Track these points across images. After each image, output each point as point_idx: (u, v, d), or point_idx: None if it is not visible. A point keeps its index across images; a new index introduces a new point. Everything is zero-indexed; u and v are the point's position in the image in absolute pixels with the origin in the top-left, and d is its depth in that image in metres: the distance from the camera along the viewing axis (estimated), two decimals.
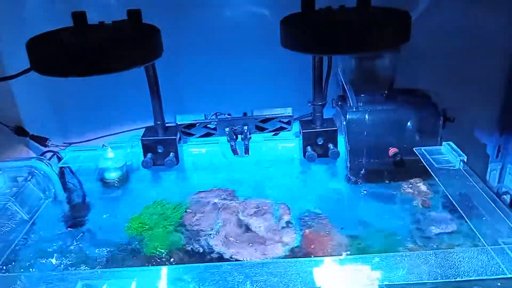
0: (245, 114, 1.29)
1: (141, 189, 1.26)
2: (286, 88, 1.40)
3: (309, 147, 1.28)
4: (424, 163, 1.17)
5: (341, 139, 1.28)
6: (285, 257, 0.95)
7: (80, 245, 1.02)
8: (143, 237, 1.03)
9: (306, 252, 0.96)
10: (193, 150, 1.39)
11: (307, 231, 1.02)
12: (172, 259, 0.96)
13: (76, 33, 1.06)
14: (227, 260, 0.95)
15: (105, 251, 1.00)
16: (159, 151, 1.28)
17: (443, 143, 1.23)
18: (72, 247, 1.01)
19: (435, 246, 0.94)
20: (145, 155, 1.28)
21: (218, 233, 1.03)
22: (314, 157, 1.26)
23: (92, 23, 1.10)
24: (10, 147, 1.42)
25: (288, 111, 1.27)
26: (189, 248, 0.99)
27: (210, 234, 1.03)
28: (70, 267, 0.95)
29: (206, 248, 0.99)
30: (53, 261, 0.97)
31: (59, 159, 1.35)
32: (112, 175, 1.27)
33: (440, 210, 1.06)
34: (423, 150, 1.23)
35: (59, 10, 1.25)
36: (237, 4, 1.37)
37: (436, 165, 1.16)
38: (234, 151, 1.26)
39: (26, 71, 1.05)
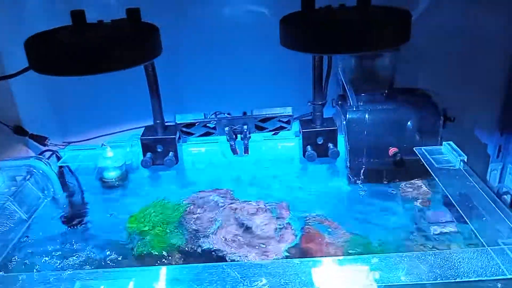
0: (244, 113, 1.28)
1: (141, 188, 1.25)
2: (286, 87, 1.40)
3: (309, 146, 1.27)
4: (424, 163, 1.17)
5: (341, 139, 1.28)
6: (285, 257, 0.94)
7: (78, 244, 1.02)
8: (142, 237, 1.03)
9: (305, 252, 0.96)
10: (193, 149, 1.39)
11: (306, 231, 1.02)
12: (171, 259, 0.96)
13: (75, 32, 1.05)
14: (226, 260, 0.94)
15: (104, 250, 0.99)
16: (159, 150, 1.27)
17: (443, 143, 1.22)
18: (70, 247, 1.01)
19: (434, 247, 0.93)
20: (144, 155, 1.28)
21: (217, 232, 1.03)
22: (314, 157, 1.26)
23: (91, 21, 1.09)
24: (9, 146, 1.42)
25: (288, 110, 1.27)
26: (188, 248, 0.99)
27: (209, 234, 1.02)
28: (68, 267, 0.94)
29: (205, 248, 0.98)
30: (51, 260, 0.97)
31: (58, 158, 1.35)
32: (111, 175, 1.27)
33: (440, 210, 1.05)
34: (423, 150, 1.22)
35: (58, 9, 1.24)
36: (236, 3, 1.37)
37: (436, 165, 1.15)
38: (234, 151, 1.26)
39: (24, 70, 1.05)
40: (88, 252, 0.99)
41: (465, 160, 1.14)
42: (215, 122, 1.27)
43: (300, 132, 1.28)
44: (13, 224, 1.06)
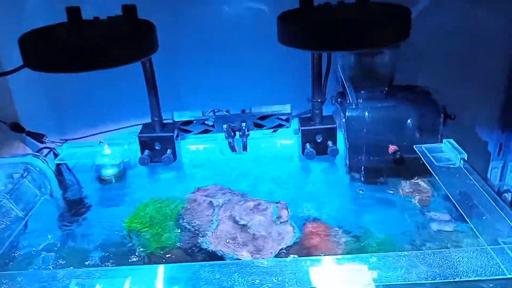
0: (243, 111, 1.27)
1: (138, 186, 1.25)
2: (285, 85, 1.39)
3: (308, 144, 1.27)
4: (424, 161, 1.16)
5: (341, 136, 1.27)
6: (283, 255, 0.94)
7: (75, 242, 1.02)
8: (139, 235, 1.02)
9: (304, 251, 0.95)
10: (191, 147, 1.38)
11: (305, 229, 1.01)
12: (168, 257, 0.95)
13: (71, 28, 1.04)
14: (224, 258, 0.94)
15: (101, 248, 0.99)
16: (157, 148, 1.27)
17: (444, 140, 1.21)
18: (67, 245, 1.01)
19: (433, 245, 0.93)
20: (142, 152, 1.27)
21: (215, 231, 1.02)
22: (313, 155, 1.25)
23: (87, 18, 1.09)
24: (6, 144, 1.42)
25: (287, 108, 1.26)
26: (185, 246, 0.98)
27: (207, 232, 1.02)
28: (65, 265, 0.94)
29: (202, 246, 0.98)
30: (47, 258, 0.96)
31: (56, 155, 1.34)
32: (109, 172, 1.26)
33: (440, 208, 1.05)
34: (423, 148, 1.21)
35: (56, 6, 1.23)
36: (235, 0, 1.35)
37: (436, 163, 1.15)
38: (232, 148, 1.25)
39: (20, 68, 1.04)
40: (84, 250, 0.98)
41: (466, 158, 1.13)
42: (213, 119, 1.26)
43: (299, 129, 1.27)
44: (9, 222, 1.06)
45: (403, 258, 0.85)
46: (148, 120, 1.28)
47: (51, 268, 0.94)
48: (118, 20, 1.09)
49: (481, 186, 1.04)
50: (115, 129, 1.44)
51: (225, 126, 1.26)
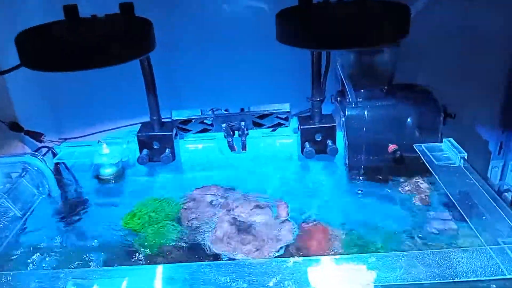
0: (242, 110, 1.27)
1: (137, 185, 1.24)
2: (284, 83, 1.38)
3: (307, 143, 1.26)
4: (424, 160, 1.15)
5: (340, 135, 1.26)
6: (282, 255, 0.93)
7: (73, 242, 1.01)
8: (138, 234, 1.02)
9: (303, 250, 0.94)
10: (190, 146, 1.38)
11: (305, 228, 1.01)
12: (167, 257, 0.95)
13: (68, 27, 1.04)
14: (222, 258, 0.93)
15: (99, 248, 0.99)
16: (155, 147, 1.26)
17: (444, 139, 1.21)
18: (65, 244, 1.00)
19: (433, 245, 0.92)
20: (141, 151, 1.27)
21: (214, 230, 1.01)
22: (312, 154, 1.24)
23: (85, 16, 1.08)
24: (5, 143, 1.41)
25: (286, 107, 1.25)
26: (184, 246, 0.98)
27: (206, 232, 1.01)
28: (62, 264, 0.94)
29: (201, 245, 0.97)
30: (45, 258, 0.96)
31: (54, 154, 1.34)
32: (107, 171, 1.26)
33: (439, 208, 1.04)
34: (423, 147, 1.21)
35: (53, 4, 1.23)
36: None
37: (436, 162, 1.14)
38: (231, 147, 1.25)
39: (17, 67, 1.04)
40: (82, 250, 0.98)
41: (466, 157, 1.13)
42: (212, 118, 1.26)
43: (298, 128, 1.27)
44: (7, 221, 1.06)
45: (402, 258, 0.84)
46: (147, 119, 1.27)
47: (49, 268, 0.93)
48: (116, 18, 1.08)
49: (481, 186, 1.04)
50: (114, 128, 1.43)
51: (224, 125, 1.25)
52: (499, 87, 1.43)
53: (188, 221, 1.06)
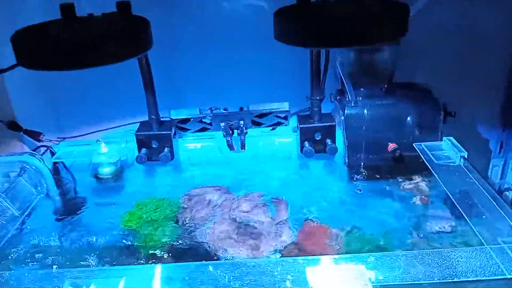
0: (241, 109, 1.26)
1: (136, 184, 1.24)
2: (283, 82, 1.38)
3: (306, 142, 1.25)
4: (424, 159, 1.15)
5: (340, 134, 1.26)
6: (281, 255, 0.93)
7: (71, 241, 1.01)
8: (136, 233, 1.02)
9: (302, 250, 0.94)
10: (189, 145, 1.37)
11: (304, 228, 1.00)
12: (165, 256, 0.95)
13: (64, 26, 1.03)
14: (220, 258, 0.93)
15: (97, 247, 0.98)
16: (154, 146, 1.26)
17: (444, 138, 1.20)
18: (63, 244, 1.00)
19: (432, 245, 0.91)
20: (139, 150, 1.26)
21: (212, 230, 1.01)
22: (312, 153, 1.24)
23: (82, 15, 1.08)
24: (3, 142, 1.41)
25: (285, 105, 1.25)
26: (183, 245, 0.98)
27: (205, 231, 1.01)
28: (60, 264, 0.93)
29: (200, 245, 0.97)
30: (42, 258, 0.95)
31: (53, 154, 1.34)
32: (106, 171, 1.25)
33: (439, 207, 1.03)
34: (423, 146, 1.20)
35: (53, 4, 1.22)
36: None
37: (436, 161, 1.13)
38: (230, 146, 1.24)
39: (14, 66, 1.03)
40: (80, 249, 0.98)
41: (466, 156, 1.12)
42: (210, 117, 1.25)
43: (298, 127, 1.26)
44: (5, 221, 1.06)
45: (401, 258, 0.84)
46: (146, 118, 1.27)
47: (47, 267, 0.93)
48: (113, 16, 1.07)
49: (481, 185, 1.03)
50: (113, 127, 1.43)
51: (223, 124, 1.25)
52: (499, 86, 1.42)
53: (187, 220, 1.05)
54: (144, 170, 1.28)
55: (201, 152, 1.36)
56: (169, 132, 1.25)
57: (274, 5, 1.15)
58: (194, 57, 1.39)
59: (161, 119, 1.27)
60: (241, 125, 1.25)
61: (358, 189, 1.13)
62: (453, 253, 0.84)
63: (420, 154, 1.17)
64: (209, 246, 0.96)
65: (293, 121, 1.29)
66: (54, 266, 0.93)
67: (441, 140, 1.21)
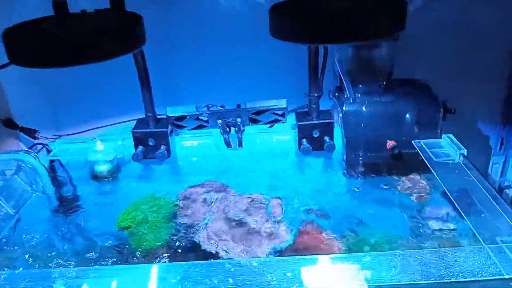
0: (238, 106, 1.25)
1: (132, 182, 1.23)
2: (281, 79, 1.37)
3: (304, 139, 1.25)
4: (423, 157, 1.14)
5: (338, 132, 1.25)
6: (278, 254, 0.92)
7: (66, 240, 1.00)
8: (132, 232, 1.01)
9: (299, 249, 0.93)
10: (185, 142, 1.37)
11: (301, 227, 0.99)
12: (161, 255, 0.94)
13: (57, 22, 1.02)
14: (216, 257, 0.92)
15: (92, 247, 0.98)
16: (150, 143, 1.25)
17: (443, 135, 1.19)
18: (57, 243, 1.00)
19: (430, 244, 0.90)
20: (136, 148, 1.25)
21: (208, 229, 1.00)
22: (310, 150, 1.23)
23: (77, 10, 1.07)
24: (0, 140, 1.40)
25: (283, 103, 1.24)
26: (179, 244, 0.97)
27: (201, 230, 1.00)
28: (54, 263, 0.93)
29: (196, 244, 0.96)
30: (37, 256, 0.95)
31: (49, 151, 1.33)
32: (102, 168, 1.24)
33: (438, 206, 1.02)
34: (422, 143, 1.19)
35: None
36: None
37: (435, 159, 1.12)
38: (228, 144, 1.24)
39: (6, 65, 1.02)
40: (76, 248, 0.97)
41: (465, 154, 1.11)
42: (207, 114, 1.24)
43: (296, 125, 1.25)
44: None
45: (398, 258, 0.83)
46: (142, 115, 1.26)
47: (40, 266, 0.92)
48: (106, 13, 1.06)
49: (480, 183, 1.02)
50: (109, 125, 1.42)
51: (220, 121, 1.24)
52: (499, 82, 1.41)
53: (183, 219, 1.05)
54: (141, 168, 1.27)
55: (198, 150, 1.35)
56: (166, 129, 1.24)
57: (271, 1, 1.14)
58: (190, 54, 1.38)
59: (158, 116, 1.26)
60: (239, 122, 1.24)
61: (356, 187, 1.12)
62: (450, 253, 0.83)
63: (419, 151, 1.16)
64: (204, 245, 0.96)
65: (291, 118, 1.27)
66: (49, 265, 0.92)
67: (441, 137, 1.20)
